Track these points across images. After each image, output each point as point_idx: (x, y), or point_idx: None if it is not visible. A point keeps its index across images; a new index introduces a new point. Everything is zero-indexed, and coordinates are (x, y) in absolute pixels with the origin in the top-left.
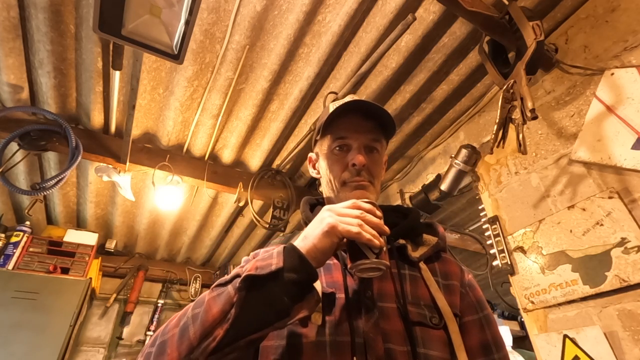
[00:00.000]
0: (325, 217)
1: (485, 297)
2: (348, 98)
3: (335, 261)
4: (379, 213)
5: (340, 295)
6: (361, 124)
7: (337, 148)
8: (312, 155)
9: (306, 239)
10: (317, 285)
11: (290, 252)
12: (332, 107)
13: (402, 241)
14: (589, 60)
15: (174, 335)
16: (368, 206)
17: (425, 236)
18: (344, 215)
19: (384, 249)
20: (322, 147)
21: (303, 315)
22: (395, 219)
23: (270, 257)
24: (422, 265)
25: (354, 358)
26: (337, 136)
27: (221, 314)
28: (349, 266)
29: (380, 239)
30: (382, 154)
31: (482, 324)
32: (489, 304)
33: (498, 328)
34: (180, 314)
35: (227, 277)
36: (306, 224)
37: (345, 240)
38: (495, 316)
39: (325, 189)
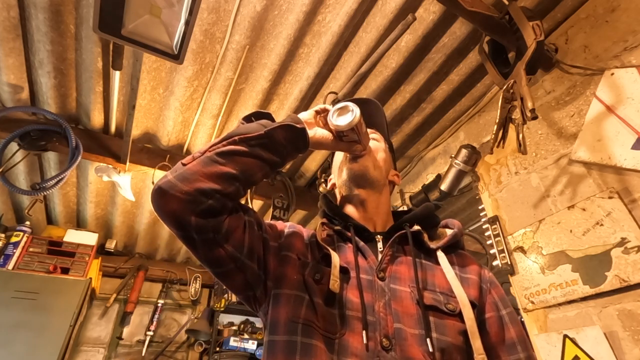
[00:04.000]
0: None
1: None
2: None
3: (349, 244)
4: None
5: (353, 274)
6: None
7: None
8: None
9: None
10: (335, 258)
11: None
12: None
13: (417, 227)
14: (589, 60)
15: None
16: None
17: (441, 229)
18: None
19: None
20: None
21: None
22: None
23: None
24: (439, 253)
25: (364, 332)
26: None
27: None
28: (330, 123)
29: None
30: (381, 142)
31: (506, 322)
32: None
33: (523, 327)
34: None
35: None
36: (326, 216)
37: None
38: None
39: (339, 186)
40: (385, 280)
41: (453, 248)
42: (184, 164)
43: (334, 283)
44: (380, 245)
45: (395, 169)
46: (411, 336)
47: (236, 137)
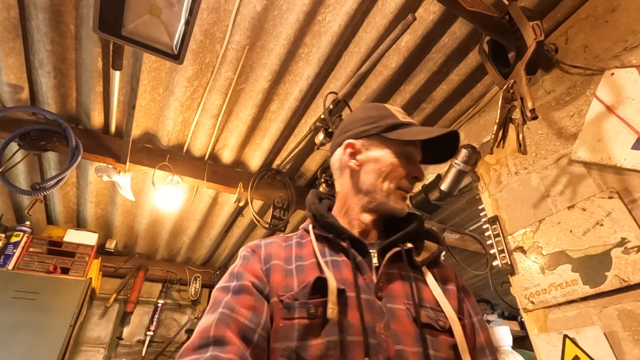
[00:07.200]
0: None
1: (485, 297)
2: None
3: (345, 258)
4: None
5: (351, 294)
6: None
7: (407, 155)
8: (356, 142)
9: None
10: (331, 279)
11: None
12: (405, 121)
13: (409, 245)
14: (589, 60)
15: None
16: None
17: (427, 242)
18: None
19: None
20: (383, 144)
21: None
22: (400, 223)
23: None
24: (424, 269)
25: (366, 359)
26: (412, 144)
27: None
28: None
29: None
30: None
31: (477, 328)
32: (489, 304)
33: (489, 332)
34: None
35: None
36: (315, 217)
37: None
38: (495, 316)
39: (358, 184)
40: (383, 300)
41: (434, 261)
42: None
43: (332, 311)
44: (375, 260)
45: None
46: (411, 355)
47: None
